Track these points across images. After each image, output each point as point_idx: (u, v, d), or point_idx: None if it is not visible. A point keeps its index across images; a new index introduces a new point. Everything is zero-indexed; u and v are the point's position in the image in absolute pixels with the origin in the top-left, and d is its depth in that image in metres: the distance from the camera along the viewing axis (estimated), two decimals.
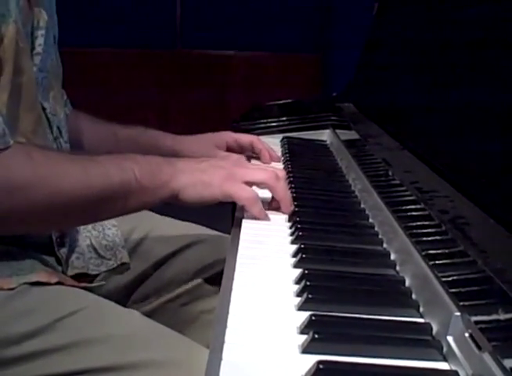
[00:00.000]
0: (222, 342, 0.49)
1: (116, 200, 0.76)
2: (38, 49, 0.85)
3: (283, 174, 0.85)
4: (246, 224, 0.77)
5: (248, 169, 0.82)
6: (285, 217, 0.81)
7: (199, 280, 1.01)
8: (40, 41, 0.85)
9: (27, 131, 0.80)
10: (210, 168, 0.79)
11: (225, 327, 0.52)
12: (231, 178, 0.78)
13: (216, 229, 1.06)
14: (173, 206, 0.80)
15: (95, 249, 0.94)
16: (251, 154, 1.14)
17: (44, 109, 0.85)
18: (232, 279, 0.62)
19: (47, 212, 0.72)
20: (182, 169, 0.78)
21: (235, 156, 0.95)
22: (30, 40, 0.84)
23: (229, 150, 1.13)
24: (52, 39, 0.92)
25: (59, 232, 0.85)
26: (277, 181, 0.82)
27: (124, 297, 0.95)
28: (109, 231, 0.98)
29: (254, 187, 0.81)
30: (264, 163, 1.12)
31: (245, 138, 1.15)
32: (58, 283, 0.78)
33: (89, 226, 0.96)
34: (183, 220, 1.07)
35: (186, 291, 1.01)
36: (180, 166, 0.79)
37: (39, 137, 0.82)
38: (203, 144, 1.13)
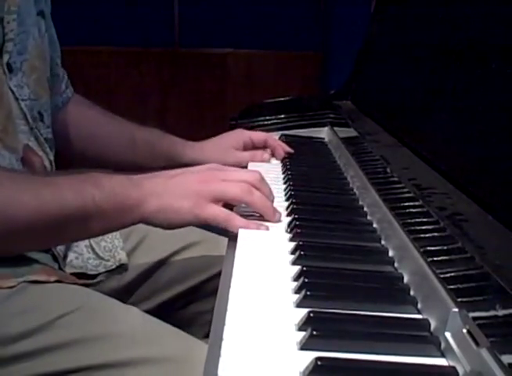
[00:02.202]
0: (221, 339, 0.49)
1: (74, 226, 0.71)
2: (11, 35, 0.83)
3: (255, 179, 0.76)
4: None
5: (220, 184, 0.74)
6: (283, 214, 0.81)
7: (197, 282, 1.01)
8: (12, 25, 0.83)
9: None
10: (178, 187, 0.73)
11: (223, 323, 0.52)
12: (201, 198, 0.72)
13: (214, 231, 1.06)
14: None
15: (93, 250, 0.94)
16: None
17: (16, 99, 0.83)
18: (231, 276, 0.62)
19: None
20: (150, 192, 0.72)
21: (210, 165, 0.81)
22: (1, 27, 0.82)
23: (245, 147, 1.14)
24: (33, 18, 0.89)
25: None
26: (250, 194, 0.74)
27: (122, 298, 0.95)
28: None
29: None
30: (278, 159, 1.14)
31: (259, 136, 1.15)
32: (57, 281, 0.78)
33: None
34: None
35: (185, 292, 1.01)
36: (148, 188, 0.73)
37: (10, 135, 0.80)
38: (224, 151, 1.12)
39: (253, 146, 1.15)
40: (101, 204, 0.70)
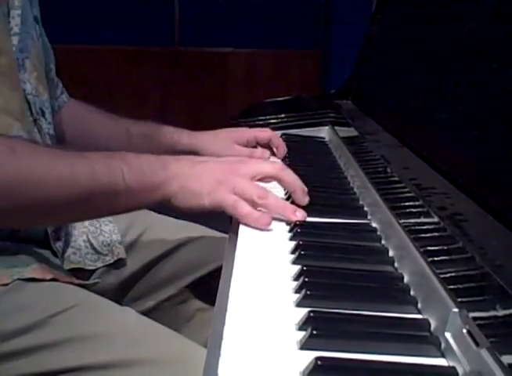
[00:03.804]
0: (221, 339, 0.49)
1: (102, 200, 0.73)
2: (16, 29, 0.84)
3: (279, 169, 0.80)
4: None
5: (252, 164, 0.78)
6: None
7: (195, 278, 1.01)
8: (17, 21, 0.85)
9: (16, 111, 0.79)
10: (203, 173, 0.75)
11: (223, 323, 0.52)
12: (220, 186, 0.74)
13: (214, 228, 1.06)
14: None
15: (91, 245, 0.94)
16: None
17: (23, 90, 0.84)
18: (231, 275, 0.62)
19: (31, 207, 0.69)
20: (176, 174, 0.74)
21: (236, 158, 0.86)
22: (8, 21, 0.83)
23: (247, 145, 1.12)
24: (31, 20, 0.91)
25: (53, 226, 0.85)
26: (285, 171, 0.78)
27: (119, 295, 0.95)
28: (106, 227, 0.98)
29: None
30: (278, 158, 1.13)
31: (263, 134, 1.14)
32: (53, 279, 0.78)
33: (86, 222, 0.96)
34: (181, 219, 1.06)
35: (182, 289, 1.01)
36: (174, 170, 0.75)
37: (27, 117, 0.81)
38: (223, 143, 1.10)
39: (257, 145, 1.15)
40: (129, 182, 0.72)
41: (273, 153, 1.14)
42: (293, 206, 0.78)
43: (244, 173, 0.76)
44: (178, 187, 0.74)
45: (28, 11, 0.90)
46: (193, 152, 1.10)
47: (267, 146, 1.14)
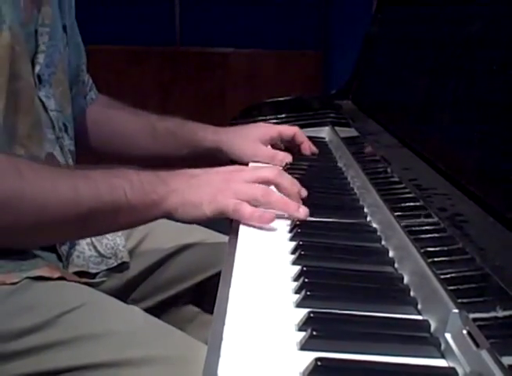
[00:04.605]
0: (220, 339, 0.49)
1: (105, 218, 0.75)
2: (42, 47, 0.85)
3: (275, 176, 0.81)
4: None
5: (249, 171, 0.79)
6: (284, 214, 0.81)
7: (199, 280, 1.01)
8: (44, 38, 0.85)
9: (22, 137, 0.80)
10: (202, 185, 0.77)
11: (223, 323, 0.52)
12: (220, 194, 0.75)
13: (217, 230, 1.06)
14: None
15: (95, 248, 0.95)
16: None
17: (45, 108, 0.85)
18: (231, 276, 0.62)
19: (33, 228, 0.71)
20: (175, 188, 0.76)
21: (232, 167, 0.85)
22: (35, 38, 0.84)
23: (271, 142, 1.12)
24: (60, 32, 0.91)
25: None
26: (283, 176, 0.80)
27: (123, 296, 0.95)
28: None
29: None
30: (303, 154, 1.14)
31: (288, 131, 1.14)
32: (60, 278, 0.78)
33: None
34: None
35: (186, 290, 1.01)
36: (173, 185, 0.76)
37: (34, 142, 0.82)
38: (247, 142, 1.10)
39: (280, 141, 1.14)
40: (131, 199, 0.74)
41: (298, 151, 1.14)
42: (296, 203, 0.79)
43: (242, 179, 0.77)
44: (178, 201, 0.75)
45: (58, 24, 0.90)
46: (218, 149, 1.10)
47: (291, 142, 1.14)
